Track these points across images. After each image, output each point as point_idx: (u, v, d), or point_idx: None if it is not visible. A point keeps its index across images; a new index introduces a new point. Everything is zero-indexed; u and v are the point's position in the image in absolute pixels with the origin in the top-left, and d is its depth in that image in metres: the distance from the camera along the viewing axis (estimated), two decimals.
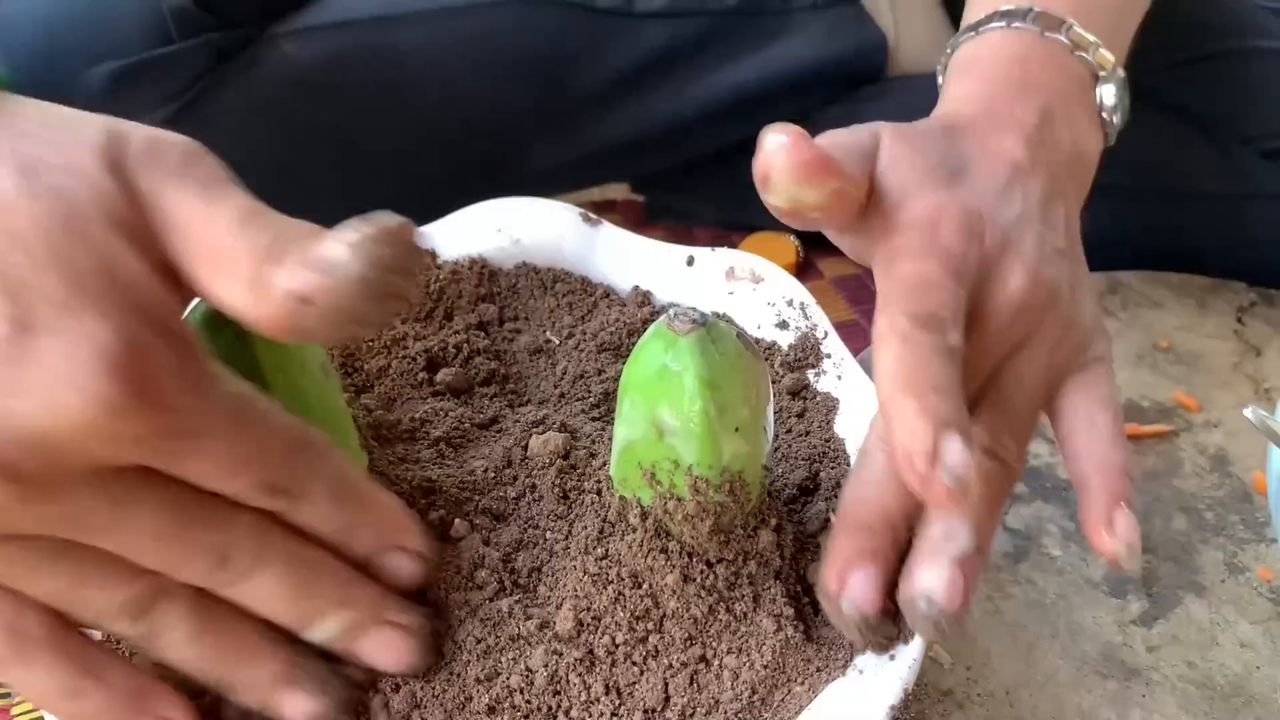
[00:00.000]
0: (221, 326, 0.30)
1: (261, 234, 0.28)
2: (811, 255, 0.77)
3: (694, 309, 0.33)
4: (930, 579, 0.31)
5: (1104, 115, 0.44)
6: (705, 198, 0.79)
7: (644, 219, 0.82)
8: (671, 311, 0.33)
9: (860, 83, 0.76)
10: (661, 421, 0.32)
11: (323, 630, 0.31)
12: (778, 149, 0.32)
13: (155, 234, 0.28)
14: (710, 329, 0.32)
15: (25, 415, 0.26)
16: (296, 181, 0.62)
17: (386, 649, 0.32)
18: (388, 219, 0.28)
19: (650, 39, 0.71)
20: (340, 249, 0.27)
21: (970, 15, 0.47)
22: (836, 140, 0.36)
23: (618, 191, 0.83)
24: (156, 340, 0.27)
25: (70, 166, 0.27)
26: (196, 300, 0.30)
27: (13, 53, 0.58)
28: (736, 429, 0.33)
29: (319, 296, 0.27)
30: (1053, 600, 0.47)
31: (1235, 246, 0.67)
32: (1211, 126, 0.68)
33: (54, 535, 0.28)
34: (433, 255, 0.46)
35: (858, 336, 0.72)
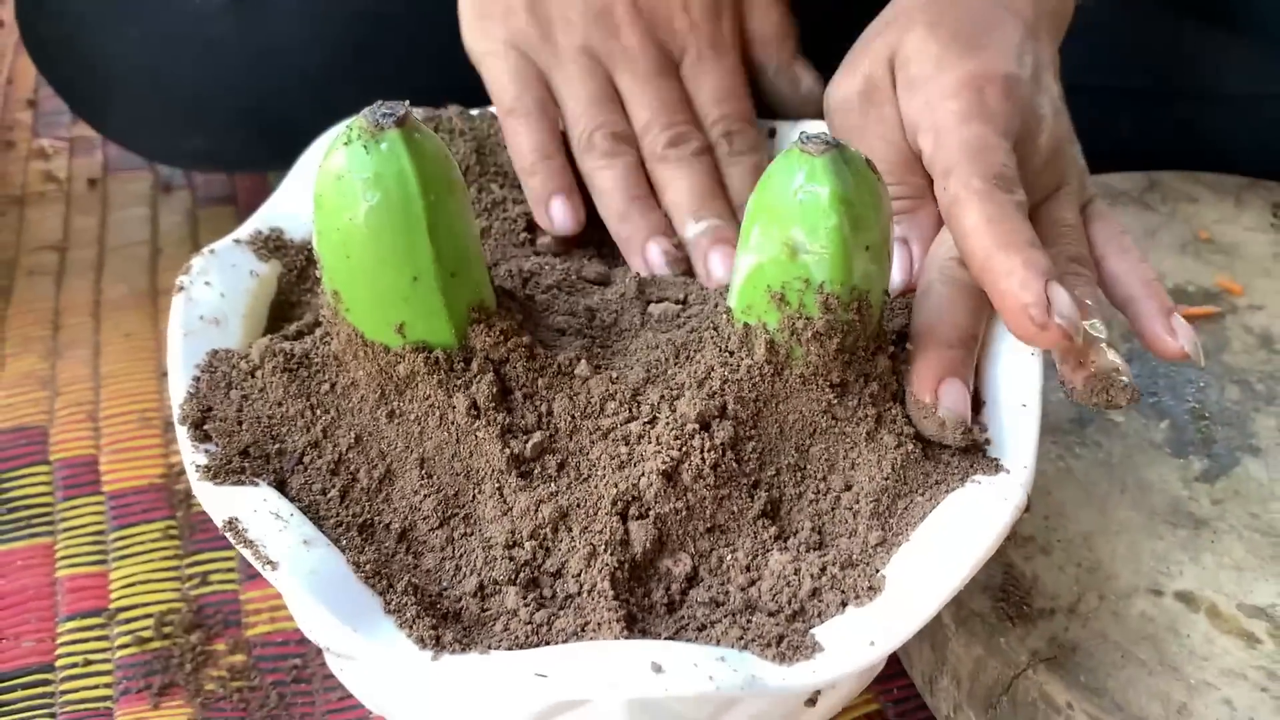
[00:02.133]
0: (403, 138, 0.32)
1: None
2: None
3: (824, 133, 0.34)
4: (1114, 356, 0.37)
5: None
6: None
7: None
8: (802, 135, 0.34)
9: None
10: (795, 241, 0.34)
11: (695, 228, 0.43)
12: None
13: None
14: (843, 150, 0.34)
15: None
16: (353, 65, 0.62)
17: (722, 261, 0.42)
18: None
19: None
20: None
21: None
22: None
23: None
24: None
25: None
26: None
27: None
28: (867, 248, 0.34)
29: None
30: (1119, 460, 0.49)
31: (1267, 145, 0.69)
32: (1242, 27, 0.69)
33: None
34: None
35: None
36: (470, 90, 0.66)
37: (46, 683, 0.44)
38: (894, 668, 0.47)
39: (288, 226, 0.42)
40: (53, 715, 0.43)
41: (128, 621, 0.47)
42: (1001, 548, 0.44)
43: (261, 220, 0.42)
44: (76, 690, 0.44)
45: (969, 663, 0.42)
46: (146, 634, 0.46)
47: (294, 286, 0.41)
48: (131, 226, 0.68)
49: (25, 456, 0.53)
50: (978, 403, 0.37)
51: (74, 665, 0.45)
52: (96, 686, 0.44)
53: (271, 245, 0.41)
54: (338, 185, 0.33)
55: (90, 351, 0.58)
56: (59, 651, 0.45)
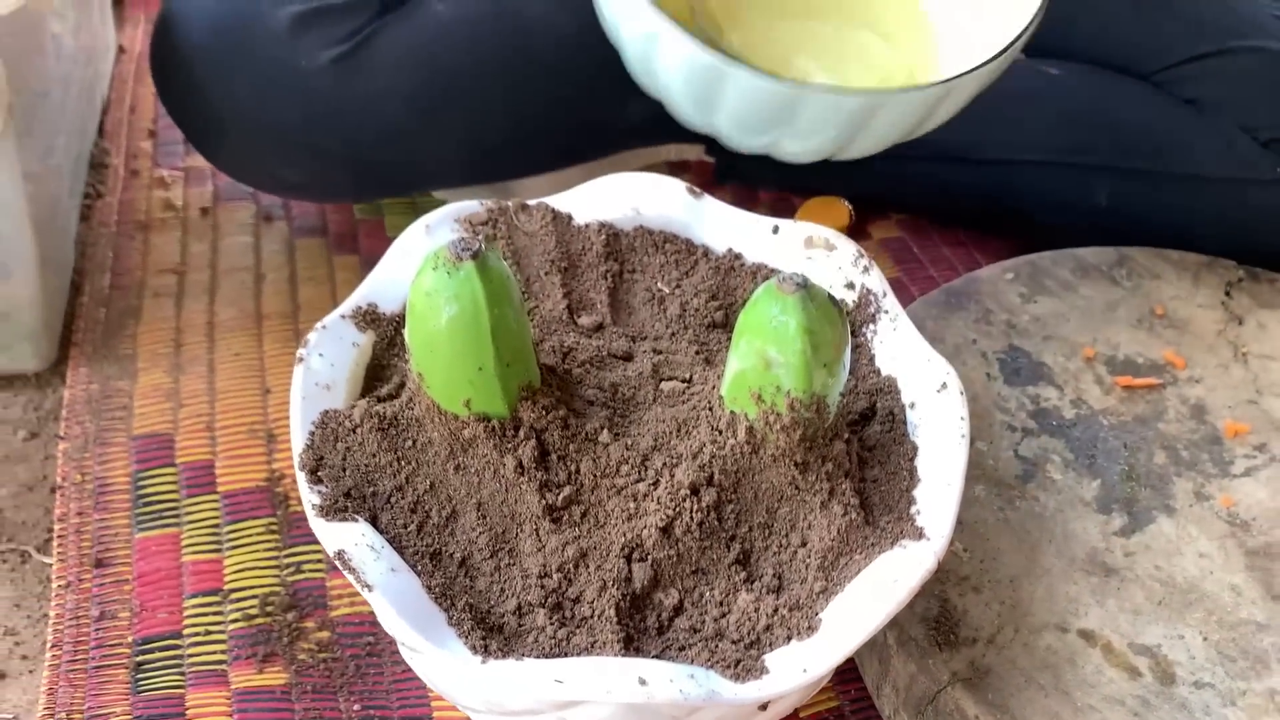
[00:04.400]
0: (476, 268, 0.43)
1: None
2: (862, 218, 0.88)
3: (797, 274, 0.44)
4: None
5: None
6: (770, 164, 0.90)
7: (714, 179, 0.93)
8: (780, 276, 0.44)
9: None
10: (769, 357, 0.44)
11: None
12: None
13: None
14: (809, 289, 0.44)
15: None
16: (431, 121, 0.72)
17: None
18: None
19: None
20: None
21: None
22: None
23: (692, 152, 0.93)
24: None
25: None
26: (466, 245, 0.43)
27: None
28: (825, 364, 0.44)
29: None
30: (1051, 513, 0.59)
31: (1231, 227, 0.78)
32: (1217, 116, 0.78)
33: None
34: (569, 218, 0.58)
35: (900, 291, 0.83)
36: (534, 144, 0.77)
37: (176, 647, 0.56)
38: (852, 673, 0.57)
39: (380, 301, 0.53)
40: (182, 674, 0.55)
41: (238, 601, 0.58)
42: (941, 585, 0.55)
43: (360, 297, 0.53)
44: (199, 655, 0.56)
45: (905, 677, 0.53)
46: (253, 612, 0.58)
47: (385, 352, 0.52)
48: (238, 253, 0.79)
49: (157, 459, 0.65)
50: (914, 481, 0.48)
51: (197, 634, 0.57)
52: (215, 653, 0.56)
53: (368, 318, 0.52)
54: (427, 300, 0.44)
55: (206, 368, 0.70)
56: (185, 623, 0.57)
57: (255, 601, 0.58)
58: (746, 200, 0.91)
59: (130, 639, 0.56)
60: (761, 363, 0.45)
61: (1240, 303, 0.73)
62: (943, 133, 0.83)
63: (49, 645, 0.55)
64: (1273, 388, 0.67)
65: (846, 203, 0.87)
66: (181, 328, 0.73)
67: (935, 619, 0.53)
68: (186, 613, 0.58)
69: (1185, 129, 0.78)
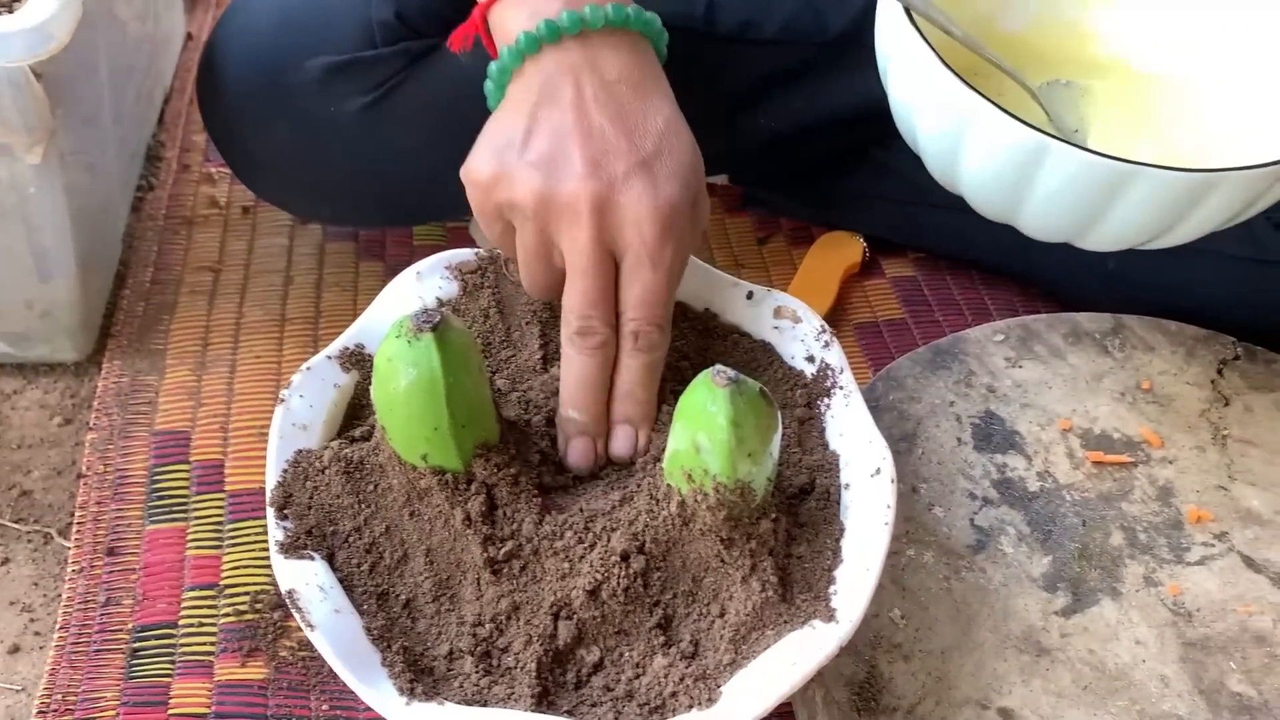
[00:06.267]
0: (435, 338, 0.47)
1: None
2: (876, 255, 0.90)
3: (731, 370, 0.47)
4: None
5: None
6: (793, 196, 0.92)
7: (738, 204, 0.95)
8: (715, 369, 0.47)
9: None
10: (699, 443, 0.47)
11: (566, 414, 0.54)
12: None
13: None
14: (740, 384, 0.47)
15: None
16: (454, 166, 0.76)
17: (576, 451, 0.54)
18: None
19: (760, 63, 0.83)
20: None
21: None
22: None
23: (718, 178, 0.96)
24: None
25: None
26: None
27: (249, 38, 0.73)
28: (749, 454, 0.47)
29: None
30: (996, 587, 0.61)
31: (1238, 304, 0.78)
32: None
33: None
34: None
35: (904, 333, 0.85)
36: None
37: (170, 637, 0.62)
38: (790, 716, 0.61)
39: (368, 343, 0.57)
40: (173, 662, 0.61)
41: (232, 596, 0.64)
42: (872, 651, 0.57)
43: (349, 338, 0.57)
44: (190, 645, 0.61)
45: None
46: (243, 608, 0.63)
47: (367, 392, 0.56)
48: (272, 255, 0.84)
49: (173, 455, 0.70)
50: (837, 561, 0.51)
51: (191, 626, 0.62)
52: (205, 645, 0.61)
53: (354, 359, 0.57)
54: (388, 365, 0.48)
55: (228, 369, 0.75)
56: (182, 614, 0.63)
57: (246, 599, 0.64)
58: (768, 226, 0.93)
59: (130, 626, 0.62)
60: (692, 447, 0.48)
61: (1231, 382, 0.73)
62: None
63: (57, 627, 0.61)
64: (1245, 474, 0.68)
65: (862, 239, 0.89)
66: (211, 326, 0.78)
67: (861, 683, 0.56)
68: (184, 604, 0.63)
69: None
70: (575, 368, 0.53)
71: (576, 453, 0.54)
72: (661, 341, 0.54)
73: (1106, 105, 0.67)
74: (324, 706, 0.59)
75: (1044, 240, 0.62)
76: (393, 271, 0.82)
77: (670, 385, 0.57)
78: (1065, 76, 0.67)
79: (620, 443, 0.54)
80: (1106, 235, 0.59)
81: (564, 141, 0.53)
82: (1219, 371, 0.74)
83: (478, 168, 0.55)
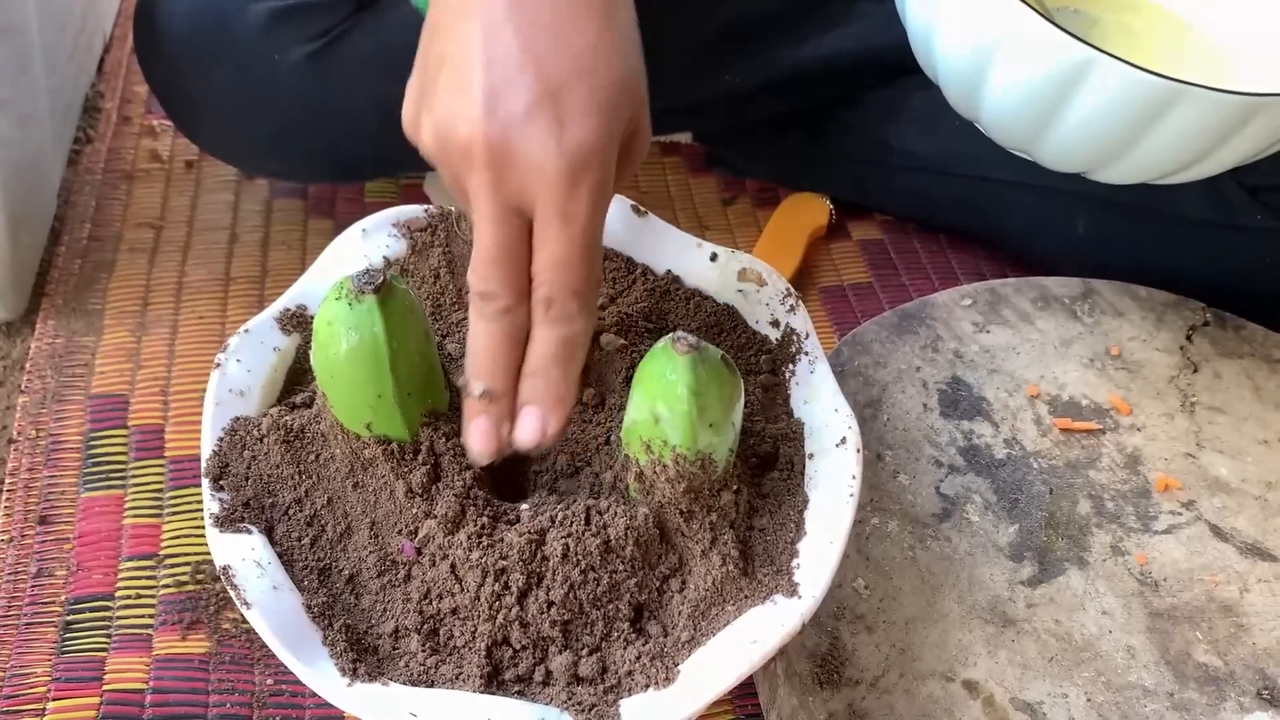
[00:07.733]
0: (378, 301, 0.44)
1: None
2: (843, 218, 0.88)
3: (693, 335, 0.45)
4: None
5: None
6: (756, 157, 0.90)
7: (702, 164, 0.92)
8: (675, 334, 0.45)
9: (909, 71, 0.85)
10: (658, 413, 0.45)
11: (473, 389, 0.46)
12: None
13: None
14: (701, 351, 0.45)
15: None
16: (399, 117, 0.73)
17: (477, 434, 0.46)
18: None
19: (727, 15, 0.80)
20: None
21: None
22: None
23: (681, 136, 0.93)
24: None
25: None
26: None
27: None
28: (711, 425, 0.45)
29: None
30: (961, 556, 0.60)
31: (1207, 269, 0.77)
32: None
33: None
34: None
35: (870, 297, 0.83)
36: None
37: (107, 609, 0.59)
38: (751, 691, 0.59)
39: (310, 304, 0.54)
40: (109, 636, 0.58)
41: (172, 567, 0.61)
42: (835, 622, 0.56)
43: (290, 299, 0.54)
44: (127, 618, 0.59)
45: (788, 709, 0.54)
46: (184, 579, 0.61)
47: (308, 356, 0.54)
48: (216, 211, 0.81)
49: (111, 420, 0.67)
50: (800, 533, 0.49)
51: (128, 598, 0.60)
52: (142, 617, 0.59)
53: (295, 320, 0.54)
54: (328, 329, 0.45)
55: (169, 330, 0.72)
56: (119, 585, 0.60)
57: (188, 569, 0.61)
58: (733, 188, 0.91)
59: (64, 598, 0.59)
60: (651, 417, 0.45)
61: (1200, 349, 0.72)
62: (923, 143, 0.83)
63: None
64: (1213, 442, 0.67)
65: (828, 201, 0.87)
66: (151, 286, 0.75)
67: (823, 656, 0.55)
68: (121, 575, 0.61)
69: None
70: (477, 335, 0.46)
71: (474, 436, 0.46)
72: (580, 313, 0.45)
73: (1113, 37, 0.65)
74: (268, 681, 0.57)
75: (1060, 170, 0.58)
76: (342, 229, 0.79)
77: (631, 350, 0.55)
78: (1075, 5, 0.65)
79: (525, 429, 0.45)
80: (1131, 165, 0.56)
81: (464, 72, 0.44)
82: (1188, 338, 0.73)
83: (405, 105, 0.49)
